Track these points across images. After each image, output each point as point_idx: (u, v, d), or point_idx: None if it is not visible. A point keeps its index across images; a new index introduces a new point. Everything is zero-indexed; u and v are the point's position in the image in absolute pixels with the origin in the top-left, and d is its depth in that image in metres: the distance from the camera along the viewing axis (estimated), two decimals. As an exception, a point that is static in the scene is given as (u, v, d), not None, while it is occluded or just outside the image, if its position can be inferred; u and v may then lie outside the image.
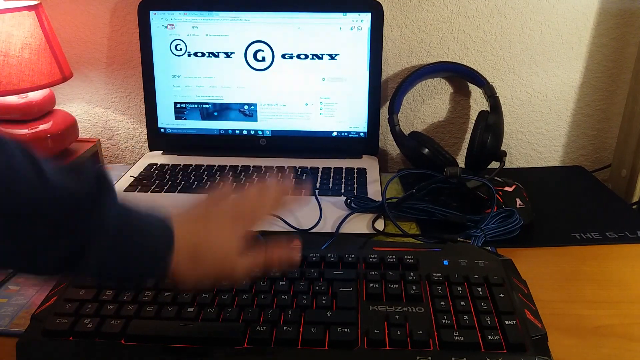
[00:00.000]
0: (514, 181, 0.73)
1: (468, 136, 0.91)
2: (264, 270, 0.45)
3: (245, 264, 0.43)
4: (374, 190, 0.77)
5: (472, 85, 0.90)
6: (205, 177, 0.81)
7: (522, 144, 0.95)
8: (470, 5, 0.86)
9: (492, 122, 0.79)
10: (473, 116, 0.93)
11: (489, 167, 0.82)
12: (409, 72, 0.87)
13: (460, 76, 0.90)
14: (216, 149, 0.89)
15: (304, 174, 0.82)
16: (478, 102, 0.92)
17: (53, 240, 0.36)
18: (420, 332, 0.47)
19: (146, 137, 0.93)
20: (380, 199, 0.73)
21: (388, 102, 0.87)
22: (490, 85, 0.84)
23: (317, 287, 0.53)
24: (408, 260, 0.57)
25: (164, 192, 0.77)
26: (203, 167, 0.84)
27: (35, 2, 0.79)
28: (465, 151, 0.83)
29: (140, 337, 0.48)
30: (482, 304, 0.51)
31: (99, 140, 0.94)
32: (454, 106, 0.93)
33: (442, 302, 0.51)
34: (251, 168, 0.84)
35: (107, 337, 0.48)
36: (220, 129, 0.89)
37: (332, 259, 0.57)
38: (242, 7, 0.84)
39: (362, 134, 0.88)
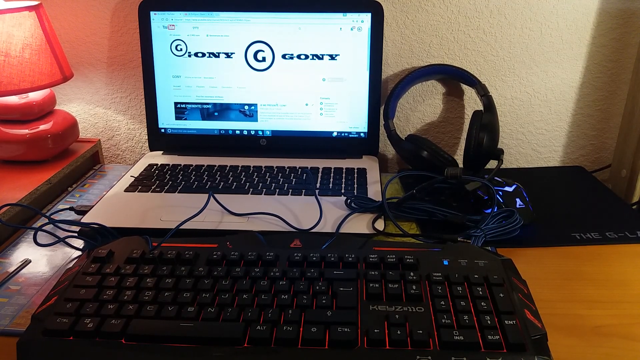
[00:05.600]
0: (514, 181, 0.73)
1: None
2: None
3: None
4: (374, 191, 0.77)
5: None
6: (206, 178, 0.81)
7: (522, 144, 0.96)
8: (470, 6, 0.87)
9: (486, 121, 0.79)
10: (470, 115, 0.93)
11: (487, 165, 0.82)
12: (405, 75, 0.87)
13: (452, 77, 0.89)
14: (216, 149, 0.89)
15: (304, 174, 0.82)
16: (477, 100, 0.92)
17: None
18: (420, 331, 0.47)
19: (146, 138, 0.93)
20: (380, 199, 0.73)
21: (382, 108, 0.87)
22: (483, 85, 0.84)
23: (317, 287, 0.53)
24: (408, 260, 0.57)
25: (165, 192, 0.77)
26: (203, 167, 0.84)
27: (36, 3, 0.80)
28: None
29: (141, 336, 0.48)
30: (482, 303, 0.51)
31: (100, 140, 0.94)
32: (453, 106, 0.93)
33: (442, 302, 0.51)
34: (251, 168, 0.84)
35: (107, 336, 0.48)
36: (220, 129, 0.89)
37: (332, 259, 0.57)
38: (243, 8, 0.84)
39: (362, 134, 0.88)
